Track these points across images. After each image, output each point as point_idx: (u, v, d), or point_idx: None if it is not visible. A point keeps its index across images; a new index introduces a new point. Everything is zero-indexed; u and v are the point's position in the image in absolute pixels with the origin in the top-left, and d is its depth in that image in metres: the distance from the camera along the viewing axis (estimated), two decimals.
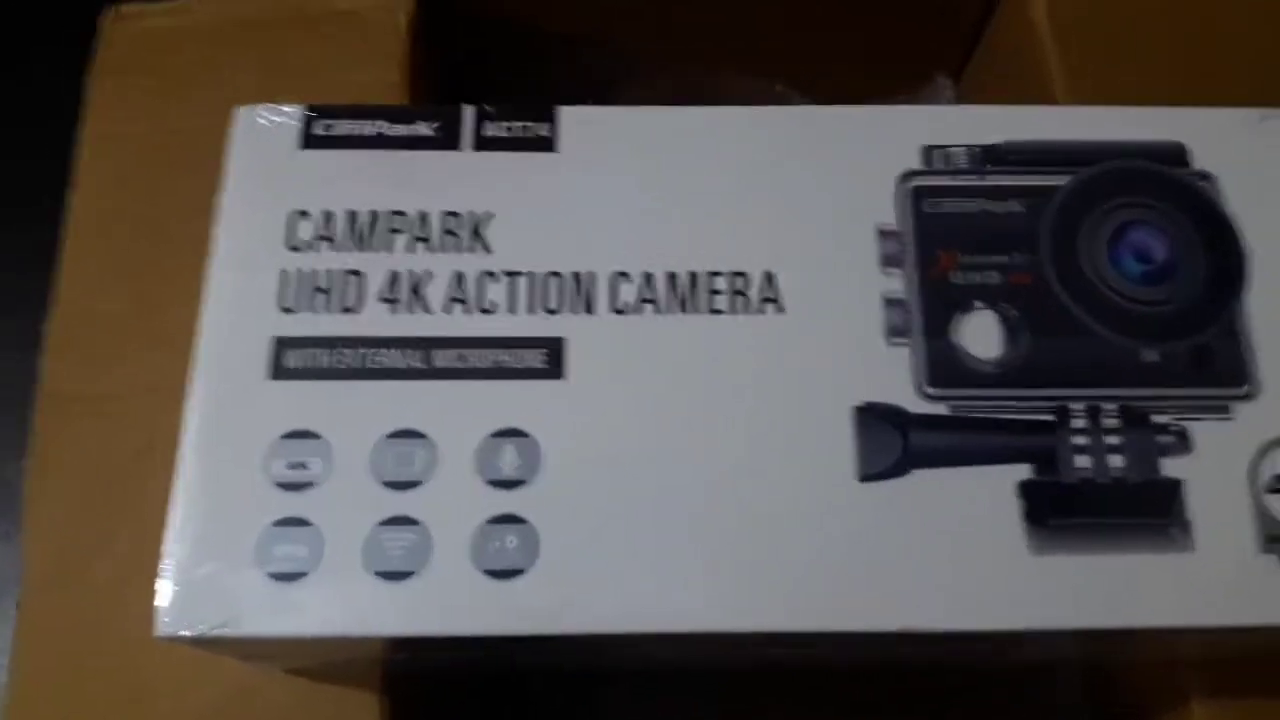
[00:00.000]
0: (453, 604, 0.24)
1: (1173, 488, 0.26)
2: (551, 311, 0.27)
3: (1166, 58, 0.39)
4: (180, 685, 0.31)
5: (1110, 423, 0.26)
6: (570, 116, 0.29)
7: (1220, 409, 0.27)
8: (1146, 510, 0.26)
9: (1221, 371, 0.27)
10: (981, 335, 0.27)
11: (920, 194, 0.28)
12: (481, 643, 0.25)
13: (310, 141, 0.28)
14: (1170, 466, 0.26)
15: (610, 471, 0.26)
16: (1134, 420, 0.26)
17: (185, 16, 0.41)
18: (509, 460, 0.26)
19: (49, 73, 0.42)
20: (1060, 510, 0.25)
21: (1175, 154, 0.29)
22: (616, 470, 0.26)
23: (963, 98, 0.47)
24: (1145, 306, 0.27)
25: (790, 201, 0.28)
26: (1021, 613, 0.25)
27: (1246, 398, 0.27)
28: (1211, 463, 0.26)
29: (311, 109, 0.29)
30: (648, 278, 0.27)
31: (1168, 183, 0.29)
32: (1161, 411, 0.26)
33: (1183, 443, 0.26)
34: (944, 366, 0.27)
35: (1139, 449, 0.26)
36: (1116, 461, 0.26)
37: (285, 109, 0.29)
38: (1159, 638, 0.28)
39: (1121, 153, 0.29)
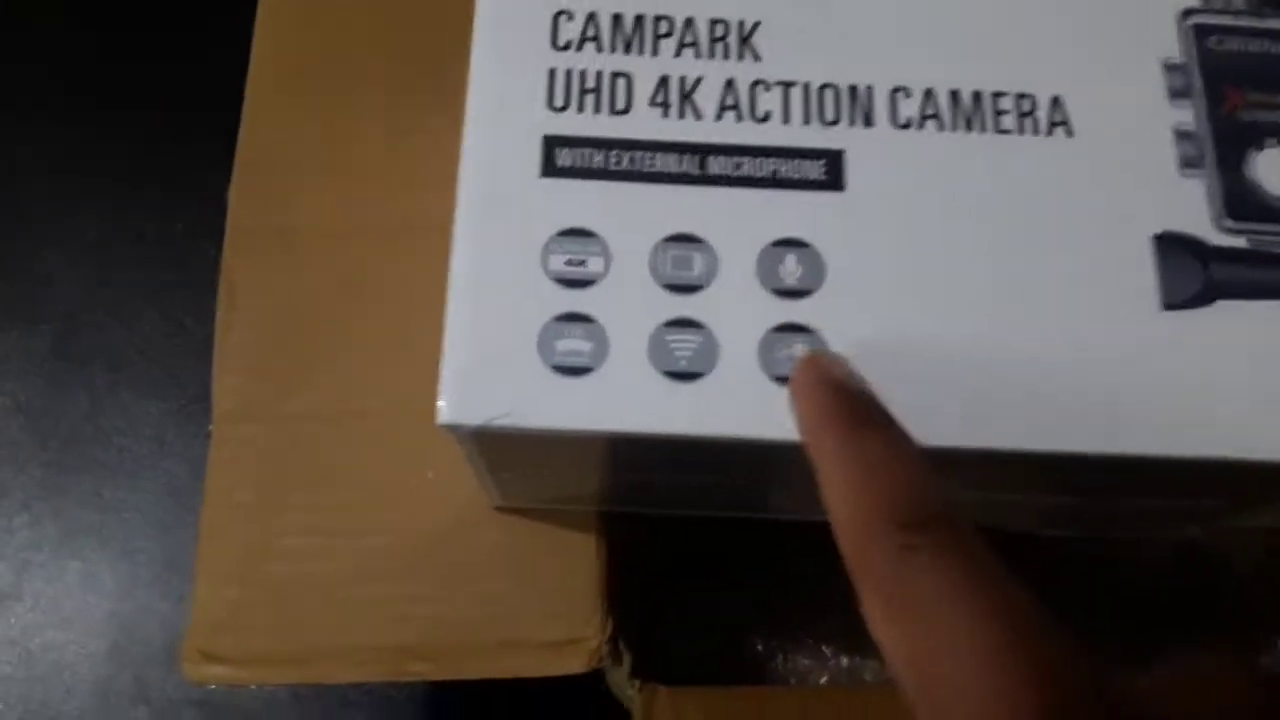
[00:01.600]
0: (745, 408, 0.23)
1: None
2: (829, 123, 0.26)
3: None
4: (388, 521, 0.30)
5: None
6: None
7: None
8: None
9: None
10: (1276, 172, 0.26)
11: (1202, 31, 0.27)
12: (766, 451, 0.24)
13: None
14: None
15: (898, 287, 0.24)
16: None
17: None
18: (791, 270, 0.24)
19: None
20: None
21: None
22: (905, 287, 0.24)
23: None
24: None
25: (1073, 28, 0.27)
26: None
27: None
28: None
29: None
30: (929, 93, 0.26)
31: None
32: None
33: None
34: (1242, 200, 0.25)
35: None
36: None
37: None
38: None
39: None
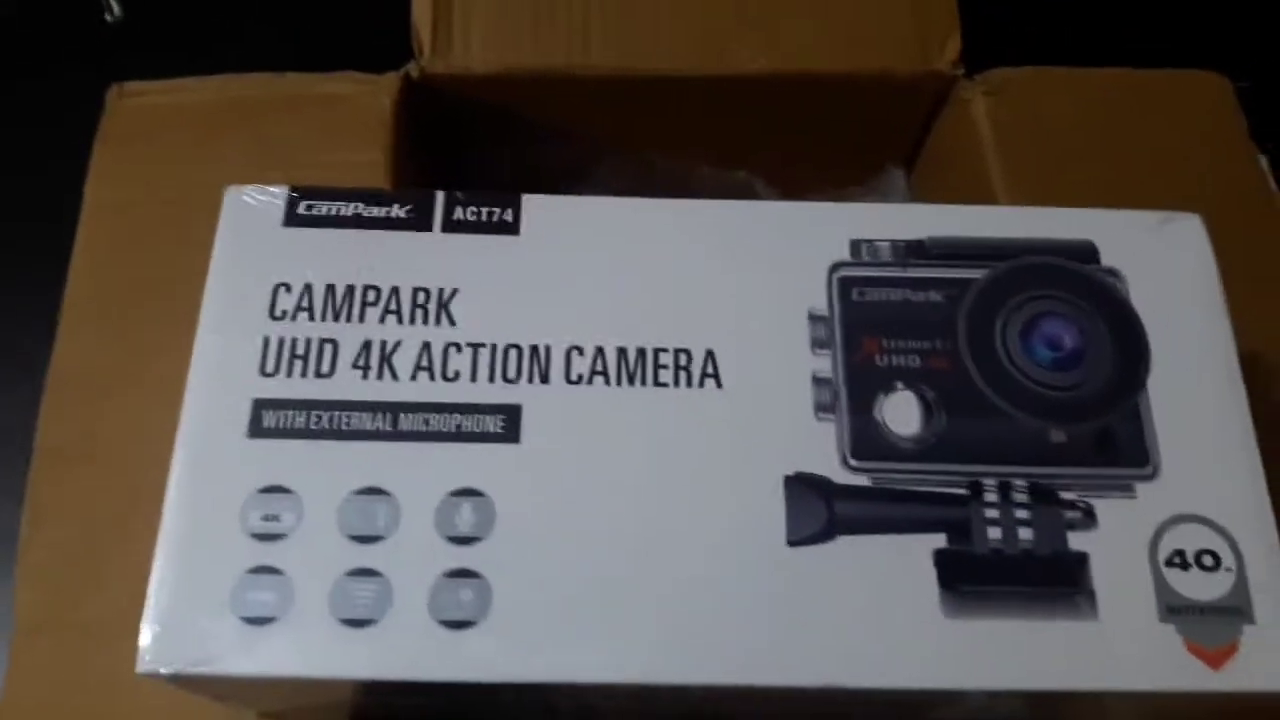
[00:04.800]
0: (411, 652, 0.26)
1: (1079, 560, 0.28)
2: (510, 381, 0.29)
3: (1094, 152, 0.43)
4: None
5: (1020, 498, 0.29)
6: (532, 204, 0.31)
7: (1124, 487, 0.29)
8: (1054, 580, 0.28)
9: (1125, 453, 0.29)
10: (902, 414, 0.29)
11: (847, 283, 0.31)
12: (437, 689, 0.27)
13: (293, 220, 0.31)
14: (1077, 540, 0.28)
15: (560, 531, 0.28)
16: (1042, 496, 0.29)
17: (184, 95, 0.44)
18: (466, 518, 0.28)
19: (54, 142, 0.45)
20: (972, 577, 0.28)
21: (1087, 252, 0.32)
22: (566, 530, 0.28)
23: (913, 187, 0.50)
24: (1054, 391, 0.30)
25: (731, 287, 0.31)
26: (936, 673, 0.27)
27: (1148, 478, 0.29)
28: (1116, 537, 0.28)
29: (295, 190, 0.31)
30: (600, 352, 0.30)
31: (1078, 278, 0.31)
32: (1069, 489, 0.29)
33: (1089, 518, 0.29)
34: (866, 441, 0.29)
35: (1047, 523, 0.28)
36: (1026, 534, 0.28)
37: (271, 189, 0.31)
38: (1077, 702, 0.30)
39: (1037, 249, 0.32)
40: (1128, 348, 0.31)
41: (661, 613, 0.27)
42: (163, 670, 0.26)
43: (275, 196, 0.31)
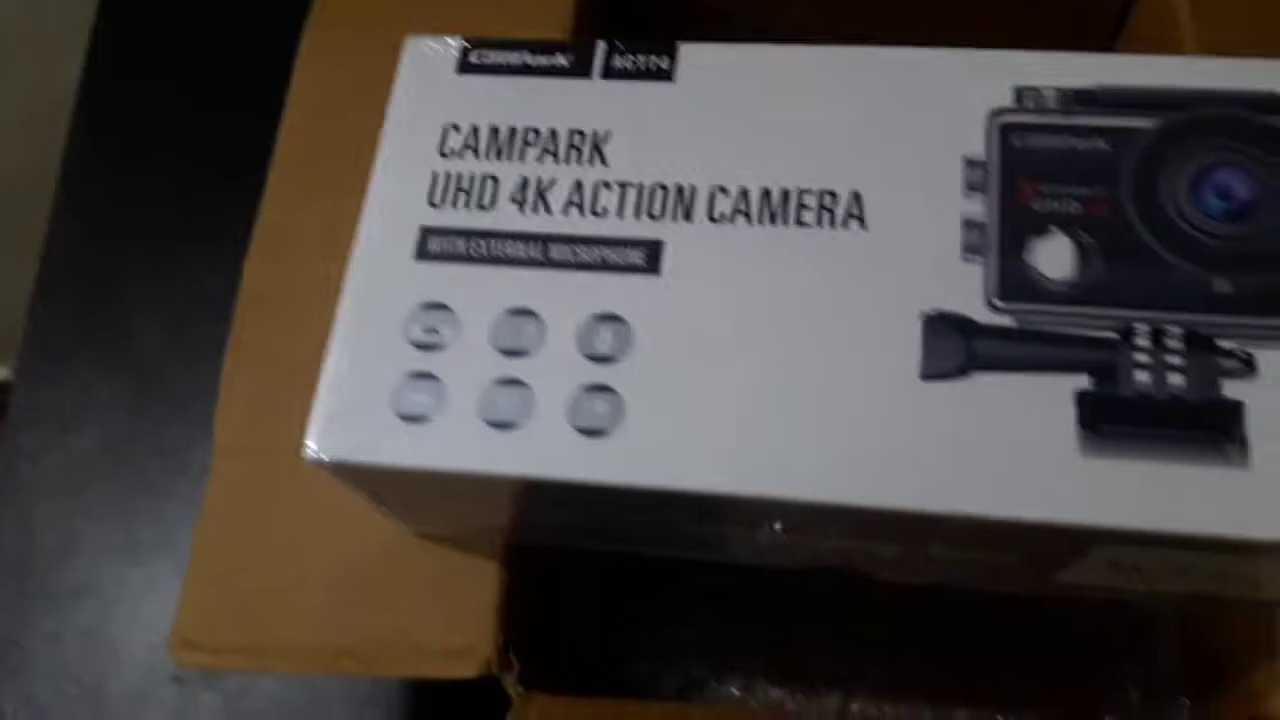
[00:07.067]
0: (548, 453, 0.28)
1: (1233, 408, 0.27)
2: (654, 217, 0.30)
3: None
4: (335, 541, 0.36)
5: (1173, 344, 0.27)
6: (688, 51, 0.32)
7: None
8: (1202, 425, 0.27)
9: None
10: (1054, 257, 0.29)
11: (1008, 130, 0.30)
12: (577, 501, 0.29)
13: (465, 68, 0.33)
14: (1233, 389, 0.27)
15: (694, 357, 0.29)
16: (1198, 343, 0.27)
17: None
18: (605, 339, 0.29)
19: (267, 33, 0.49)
20: (1114, 418, 0.27)
21: (1271, 103, 0.30)
22: (699, 356, 0.29)
23: None
24: (1222, 241, 0.28)
25: (885, 131, 0.31)
26: (1071, 508, 0.26)
27: None
28: (1277, 388, 0.27)
29: (468, 40, 0.33)
30: (744, 191, 0.30)
31: (1257, 128, 0.29)
32: (1228, 337, 0.27)
33: (1247, 367, 0.27)
34: (1013, 282, 0.28)
35: (1200, 369, 0.27)
36: (1176, 379, 0.27)
37: (448, 39, 0.33)
38: (1219, 565, 0.28)
39: (1216, 100, 0.30)
40: None
41: (786, 431, 0.28)
42: (325, 458, 0.29)
43: (450, 46, 0.33)
